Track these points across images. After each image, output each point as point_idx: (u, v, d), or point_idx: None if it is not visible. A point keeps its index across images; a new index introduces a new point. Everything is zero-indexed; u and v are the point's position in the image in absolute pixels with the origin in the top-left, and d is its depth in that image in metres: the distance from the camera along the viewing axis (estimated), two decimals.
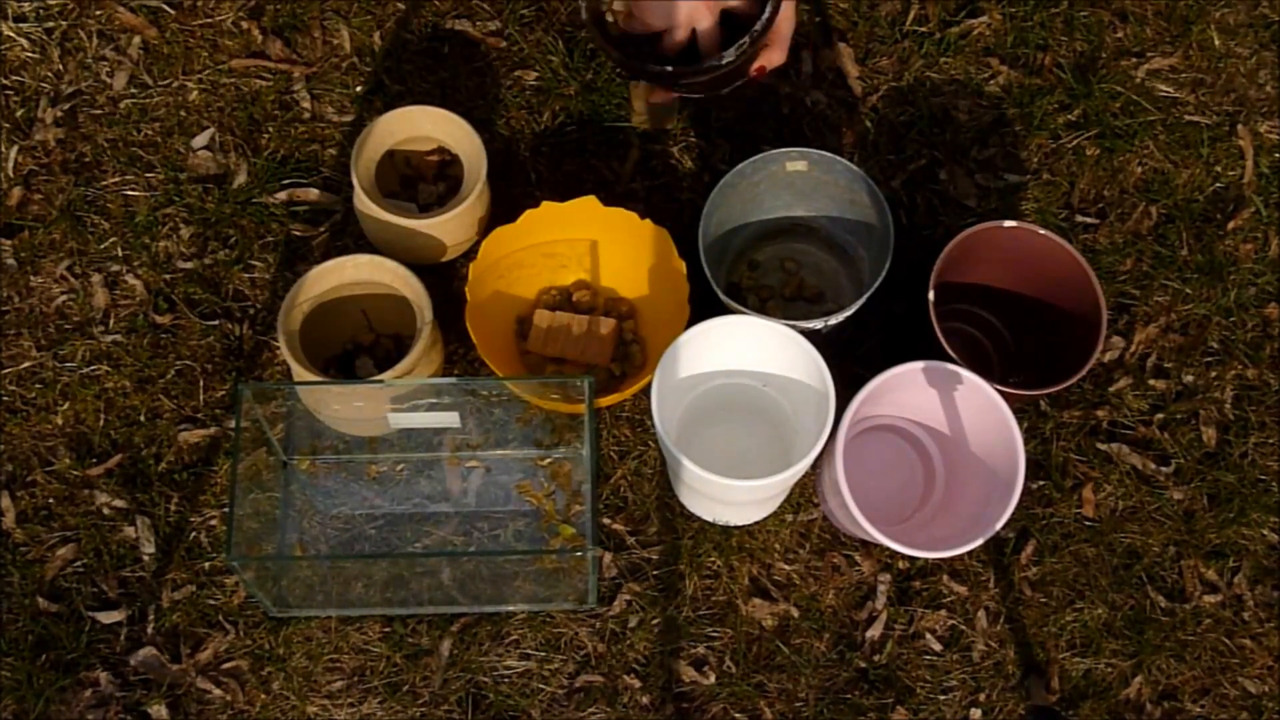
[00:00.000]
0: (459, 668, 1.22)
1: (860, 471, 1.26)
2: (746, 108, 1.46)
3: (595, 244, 1.34)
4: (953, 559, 1.28)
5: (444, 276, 1.36)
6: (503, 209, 1.35)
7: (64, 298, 1.35)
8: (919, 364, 1.16)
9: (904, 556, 1.26)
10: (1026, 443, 1.15)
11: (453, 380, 1.28)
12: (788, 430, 1.26)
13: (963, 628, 1.26)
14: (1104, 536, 1.30)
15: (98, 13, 1.48)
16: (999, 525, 1.11)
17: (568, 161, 1.43)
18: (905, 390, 1.19)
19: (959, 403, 1.20)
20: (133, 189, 1.41)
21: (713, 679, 1.23)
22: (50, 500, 1.27)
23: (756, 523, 1.28)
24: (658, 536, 1.28)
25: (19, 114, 1.43)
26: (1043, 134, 1.46)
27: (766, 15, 1.02)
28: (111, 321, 1.35)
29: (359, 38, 1.48)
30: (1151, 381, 1.37)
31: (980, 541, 1.11)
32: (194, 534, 1.26)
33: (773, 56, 1.09)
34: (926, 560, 1.28)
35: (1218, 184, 1.45)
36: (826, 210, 1.35)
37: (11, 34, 1.46)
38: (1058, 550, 1.29)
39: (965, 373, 1.16)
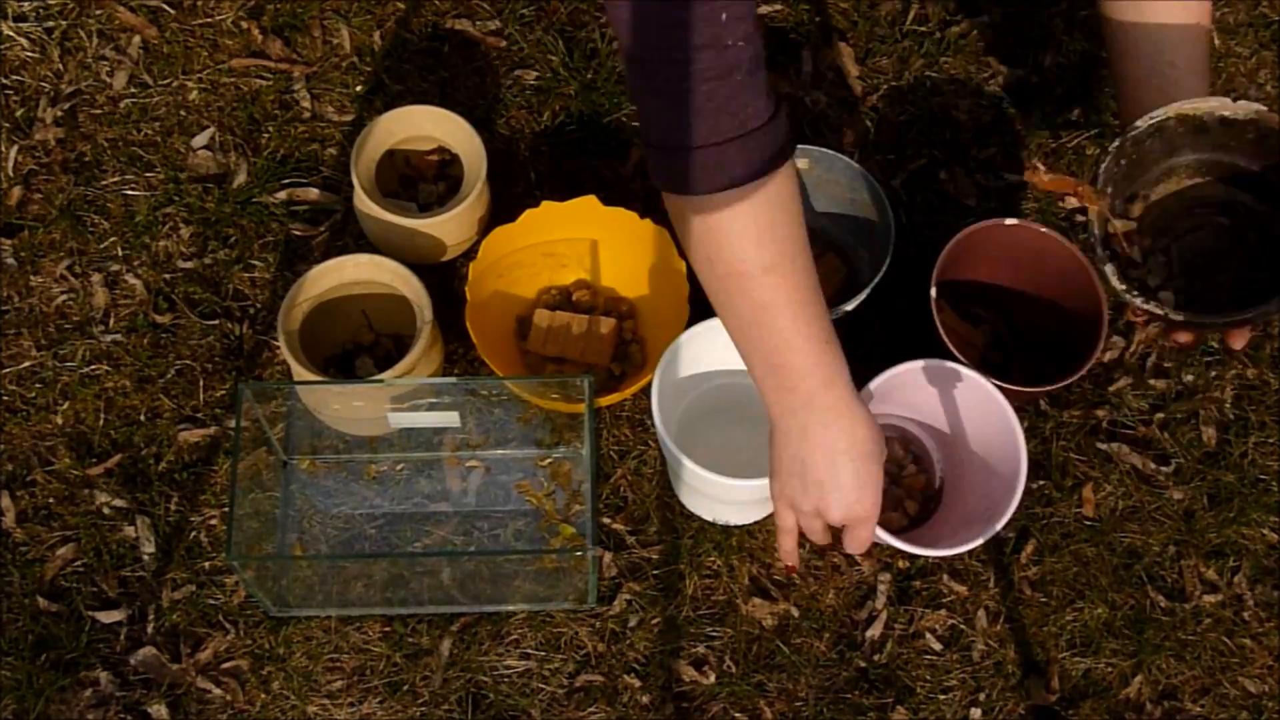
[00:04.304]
0: (459, 667, 1.22)
1: None
2: None
3: (595, 244, 1.34)
4: (953, 558, 1.28)
5: (444, 276, 1.36)
6: (503, 209, 1.35)
7: (64, 297, 1.35)
8: (919, 363, 1.16)
9: (905, 555, 1.26)
10: (1026, 442, 1.15)
11: (453, 380, 1.28)
12: None
13: (963, 627, 1.26)
14: (1104, 536, 1.30)
15: (98, 12, 1.48)
16: (1001, 524, 1.11)
17: (568, 161, 1.43)
18: (906, 390, 1.19)
19: (960, 401, 1.20)
20: (133, 189, 1.41)
21: (713, 679, 1.23)
22: (50, 500, 1.27)
23: (756, 522, 1.28)
24: (658, 536, 1.28)
25: (19, 114, 1.43)
26: (1043, 134, 1.46)
27: None
28: (111, 321, 1.35)
29: (359, 37, 1.48)
30: (1151, 381, 1.37)
31: (982, 541, 1.11)
32: (194, 534, 1.26)
33: None
34: (927, 560, 1.28)
35: None
36: (827, 208, 1.35)
37: (11, 34, 1.46)
38: (1058, 550, 1.29)
39: (966, 370, 1.16)
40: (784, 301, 0.88)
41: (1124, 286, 0.97)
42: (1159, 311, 0.97)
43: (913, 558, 1.27)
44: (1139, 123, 0.98)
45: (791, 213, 0.87)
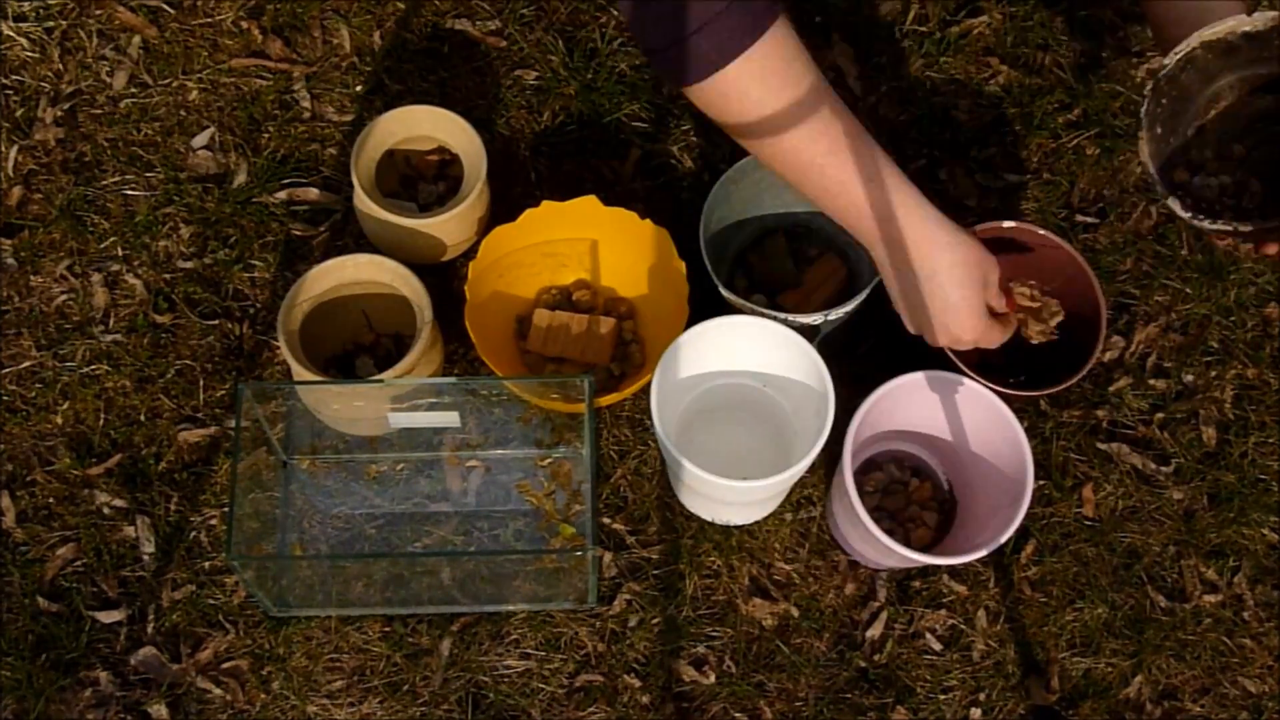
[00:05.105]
0: (459, 667, 1.22)
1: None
2: None
3: (595, 244, 1.34)
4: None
5: (444, 276, 1.36)
6: (503, 209, 1.35)
7: (64, 297, 1.35)
8: (918, 375, 1.15)
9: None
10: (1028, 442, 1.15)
11: (453, 380, 1.28)
12: (788, 430, 1.26)
13: (963, 627, 1.26)
14: (1104, 536, 1.30)
15: (98, 12, 1.48)
16: (1013, 527, 1.11)
17: (568, 161, 1.43)
18: (905, 401, 1.19)
19: (961, 409, 1.20)
20: (133, 189, 1.41)
21: (713, 679, 1.23)
22: (50, 500, 1.27)
23: (756, 522, 1.28)
24: (658, 536, 1.28)
25: (19, 114, 1.43)
26: (1043, 134, 1.46)
27: None
28: (111, 321, 1.35)
29: (359, 37, 1.48)
30: (1151, 381, 1.37)
31: (985, 552, 1.11)
32: (194, 534, 1.26)
33: None
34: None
35: None
36: None
37: (11, 34, 1.46)
38: (1058, 550, 1.29)
39: (965, 380, 1.16)
40: (840, 152, 0.93)
41: (1188, 214, 0.99)
42: (1228, 228, 0.98)
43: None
44: (1167, 60, 0.99)
45: (807, 57, 0.93)
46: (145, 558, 1.25)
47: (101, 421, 1.30)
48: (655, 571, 1.26)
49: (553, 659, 1.23)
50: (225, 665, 1.22)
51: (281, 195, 1.40)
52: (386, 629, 1.23)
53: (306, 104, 1.45)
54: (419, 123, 1.34)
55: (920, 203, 0.97)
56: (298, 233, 1.39)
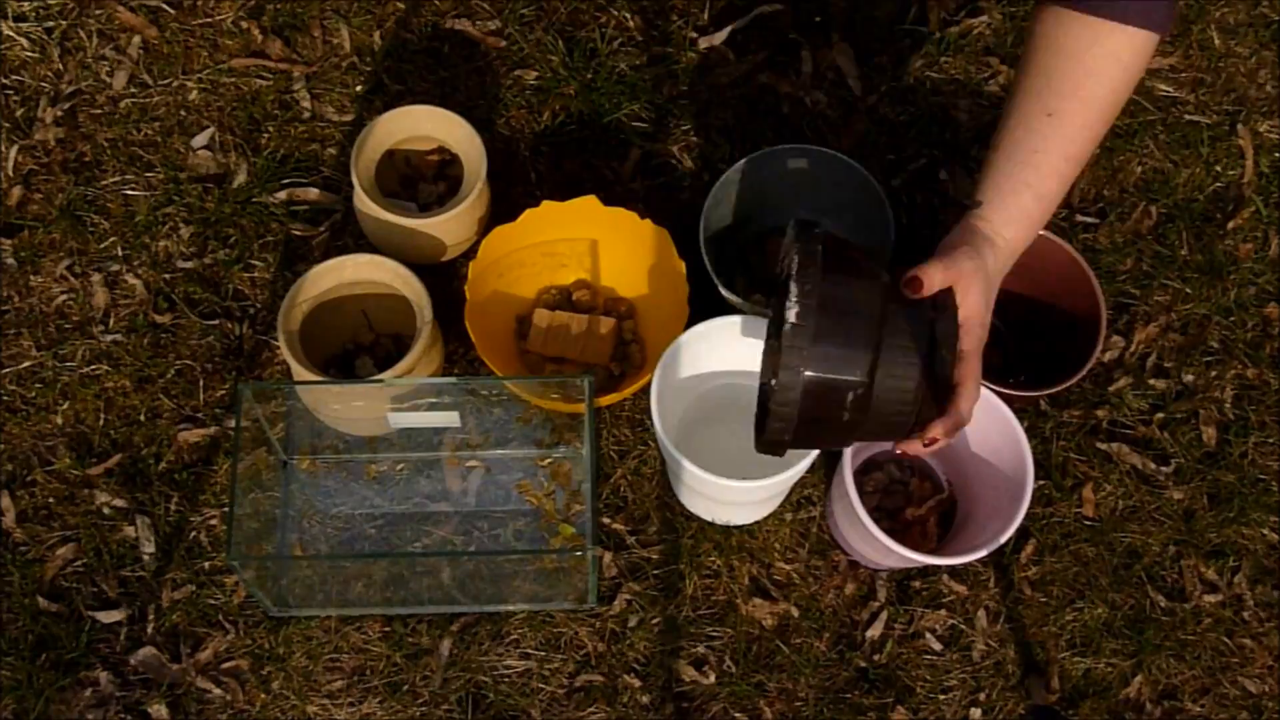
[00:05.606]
0: (459, 667, 1.22)
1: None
2: (746, 108, 1.46)
3: (595, 244, 1.34)
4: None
5: (444, 276, 1.36)
6: (503, 208, 1.35)
7: (64, 297, 1.35)
8: None
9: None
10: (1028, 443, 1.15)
11: (453, 380, 1.28)
12: None
13: (963, 627, 1.26)
14: (1104, 536, 1.30)
15: (98, 12, 1.48)
16: (1013, 527, 1.11)
17: (568, 161, 1.43)
18: None
19: None
20: (133, 189, 1.41)
21: (713, 678, 1.23)
22: (50, 500, 1.27)
23: (756, 522, 1.28)
24: (658, 536, 1.28)
25: (19, 114, 1.43)
26: None
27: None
28: (111, 321, 1.35)
29: (359, 37, 1.48)
30: (1151, 381, 1.37)
31: (985, 552, 1.11)
32: (194, 534, 1.26)
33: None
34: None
35: (1218, 183, 1.45)
36: (826, 208, 1.35)
37: (11, 34, 1.46)
38: (1058, 550, 1.29)
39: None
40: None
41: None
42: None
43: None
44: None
45: None
46: (145, 558, 1.25)
47: (101, 421, 1.30)
48: (655, 571, 1.26)
49: (553, 659, 1.23)
50: (225, 665, 1.22)
51: (281, 195, 1.40)
52: (386, 629, 1.23)
53: (306, 104, 1.45)
54: (419, 123, 1.34)
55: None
56: (298, 233, 1.39)
